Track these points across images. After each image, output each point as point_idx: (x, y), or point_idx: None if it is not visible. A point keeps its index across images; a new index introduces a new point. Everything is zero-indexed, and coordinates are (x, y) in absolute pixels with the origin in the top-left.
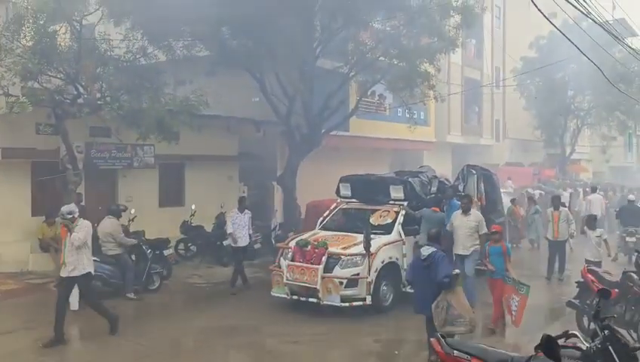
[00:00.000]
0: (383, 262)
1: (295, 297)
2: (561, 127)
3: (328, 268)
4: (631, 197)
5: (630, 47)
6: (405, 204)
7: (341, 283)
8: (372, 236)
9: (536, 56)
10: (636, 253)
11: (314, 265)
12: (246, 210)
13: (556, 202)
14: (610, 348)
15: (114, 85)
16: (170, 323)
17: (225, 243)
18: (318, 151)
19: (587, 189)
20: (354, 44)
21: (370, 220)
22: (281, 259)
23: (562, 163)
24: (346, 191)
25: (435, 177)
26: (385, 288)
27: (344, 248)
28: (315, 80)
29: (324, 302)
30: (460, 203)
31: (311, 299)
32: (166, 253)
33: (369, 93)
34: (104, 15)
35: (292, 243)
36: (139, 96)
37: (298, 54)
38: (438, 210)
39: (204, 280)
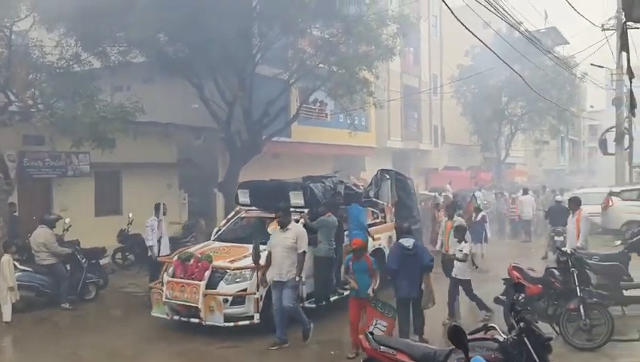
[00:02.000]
0: None
1: (176, 317)
2: (496, 132)
3: (212, 284)
4: (558, 198)
5: (557, 56)
6: (306, 211)
7: (226, 300)
8: (264, 246)
9: (472, 63)
10: (558, 251)
11: (195, 281)
12: (163, 217)
13: (450, 210)
14: (525, 338)
15: (47, 92)
16: (106, 333)
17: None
18: (260, 157)
19: (520, 191)
20: (293, 52)
21: (268, 229)
22: (165, 274)
23: (498, 166)
24: (244, 198)
25: (342, 182)
26: None
27: (232, 261)
28: (255, 86)
29: (207, 323)
30: (361, 207)
31: (192, 320)
32: (102, 262)
33: (310, 99)
34: (36, 21)
35: (175, 257)
36: (72, 103)
37: (236, 61)
38: (331, 214)
39: (141, 289)
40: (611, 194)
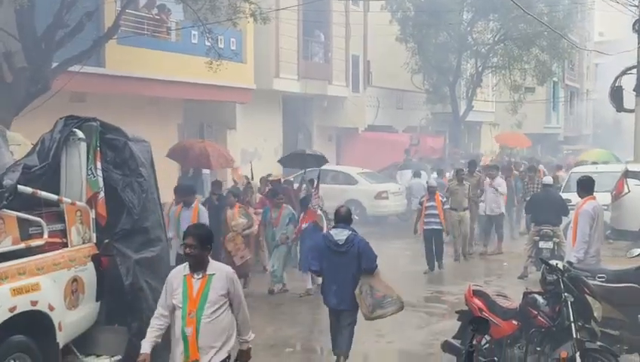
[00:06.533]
0: None
1: None
2: (453, 71)
3: None
4: (547, 180)
5: None
6: None
7: None
8: None
9: None
10: (544, 266)
11: None
12: None
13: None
14: None
15: None
16: None
17: None
18: (50, 100)
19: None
20: None
21: None
22: None
23: (455, 127)
24: None
25: None
26: None
27: None
28: None
29: None
30: None
31: None
32: None
33: (140, 3)
34: None
35: None
36: None
37: None
38: None
39: None
40: (627, 175)
